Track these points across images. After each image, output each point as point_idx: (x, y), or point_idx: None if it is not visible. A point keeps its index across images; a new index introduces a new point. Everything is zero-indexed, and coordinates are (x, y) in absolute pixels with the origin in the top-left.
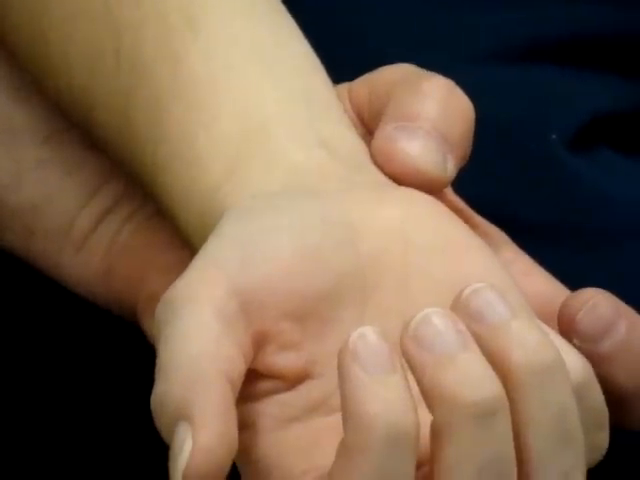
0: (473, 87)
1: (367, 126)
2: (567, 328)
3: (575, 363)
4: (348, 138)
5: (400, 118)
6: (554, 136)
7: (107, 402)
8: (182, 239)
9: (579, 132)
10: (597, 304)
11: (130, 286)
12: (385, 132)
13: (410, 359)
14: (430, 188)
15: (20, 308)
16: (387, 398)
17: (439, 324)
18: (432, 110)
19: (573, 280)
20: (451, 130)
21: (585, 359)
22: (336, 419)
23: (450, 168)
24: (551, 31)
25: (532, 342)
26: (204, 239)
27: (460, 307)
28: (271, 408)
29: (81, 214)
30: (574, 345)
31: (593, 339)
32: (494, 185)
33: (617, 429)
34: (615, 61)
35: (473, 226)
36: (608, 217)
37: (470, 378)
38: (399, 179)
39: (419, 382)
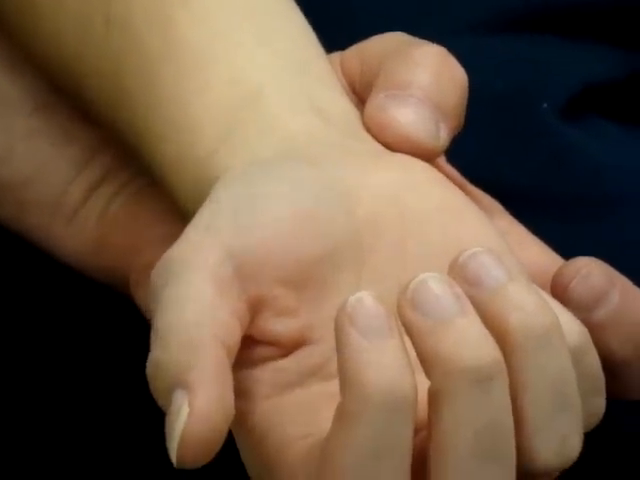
0: (464, 56)
1: (359, 95)
2: (560, 297)
3: (572, 327)
4: (342, 105)
5: (391, 87)
6: (545, 105)
7: (102, 379)
8: (176, 206)
9: (571, 101)
10: (590, 273)
11: (122, 258)
12: (376, 100)
13: (407, 324)
14: (423, 157)
15: (12, 283)
16: (385, 363)
17: (436, 288)
18: (424, 78)
19: (565, 249)
20: (444, 99)
21: (581, 324)
22: (333, 384)
23: (443, 137)
24: (541, 3)
25: (529, 305)
26: (198, 205)
27: (457, 271)
28: (267, 374)
29: (71, 186)
30: None
31: (586, 308)
32: (485, 154)
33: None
34: (607, 30)
35: (466, 194)
36: (600, 185)
37: (468, 342)
38: (391, 147)
39: (416, 347)
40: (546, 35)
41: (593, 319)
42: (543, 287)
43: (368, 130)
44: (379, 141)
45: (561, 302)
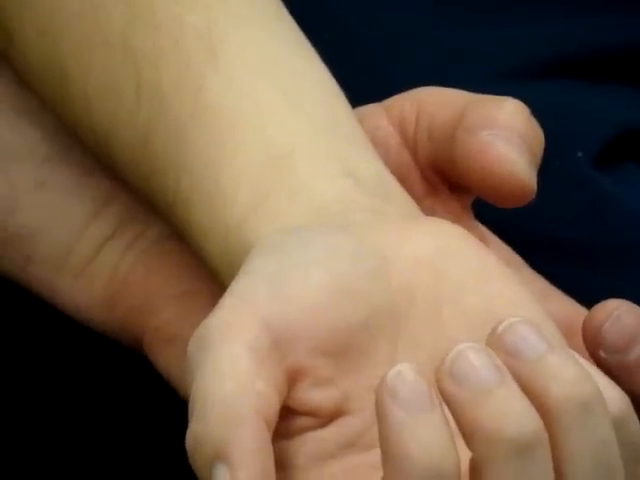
0: None
1: (412, 139)
2: (592, 340)
3: (612, 395)
4: (373, 165)
5: (491, 126)
6: (580, 154)
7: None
8: (204, 266)
9: (604, 148)
10: (622, 314)
11: (135, 317)
12: (480, 137)
13: (447, 396)
14: (521, 196)
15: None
16: (427, 438)
17: (474, 359)
18: (521, 125)
19: (600, 297)
20: (534, 147)
21: (623, 392)
22: (372, 455)
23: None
24: (572, 46)
25: (570, 376)
26: (229, 270)
27: (495, 342)
28: (306, 445)
29: (81, 239)
30: (600, 357)
31: (620, 350)
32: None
33: None
34: (637, 74)
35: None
36: (636, 234)
37: (508, 412)
38: (493, 181)
39: (456, 418)
40: (575, 81)
41: (627, 360)
42: (569, 339)
43: (465, 165)
44: (479, 175)
45: (593, 346)
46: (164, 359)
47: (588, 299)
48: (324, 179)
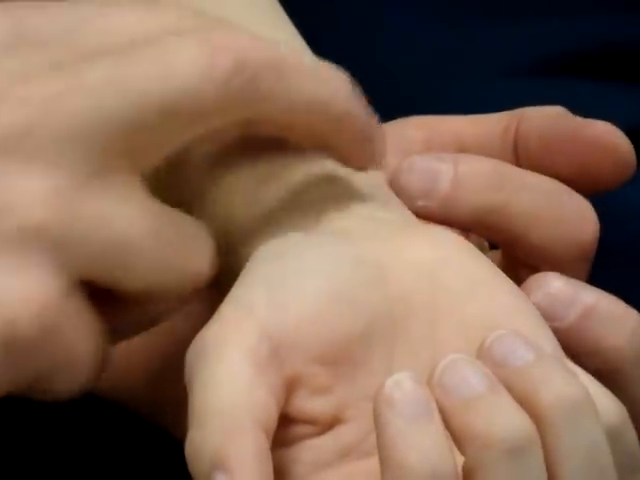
0: (498, 102)
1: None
2: None
3: (608, 405)
4: (371, 174)
5: None
6: None
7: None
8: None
9: None
10: (549, 282)
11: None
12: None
13: (438, 405)
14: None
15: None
16: (426, 446)
17: (463, 369)
18: None
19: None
20: None
21: (618, 401)
22: (368, 463)
23: None
24: (580, 44)
25: (558, 381)
26: (227, 275)
27: (484, 355)
28: (303, 453)
29: None
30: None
31: (554, 318)
32: None
33: None
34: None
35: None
36: None
37: (499, 416)
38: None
39: (448, 426)
40: (582, 79)
41: (563, 328)
42: None
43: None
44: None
45: None
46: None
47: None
48: None
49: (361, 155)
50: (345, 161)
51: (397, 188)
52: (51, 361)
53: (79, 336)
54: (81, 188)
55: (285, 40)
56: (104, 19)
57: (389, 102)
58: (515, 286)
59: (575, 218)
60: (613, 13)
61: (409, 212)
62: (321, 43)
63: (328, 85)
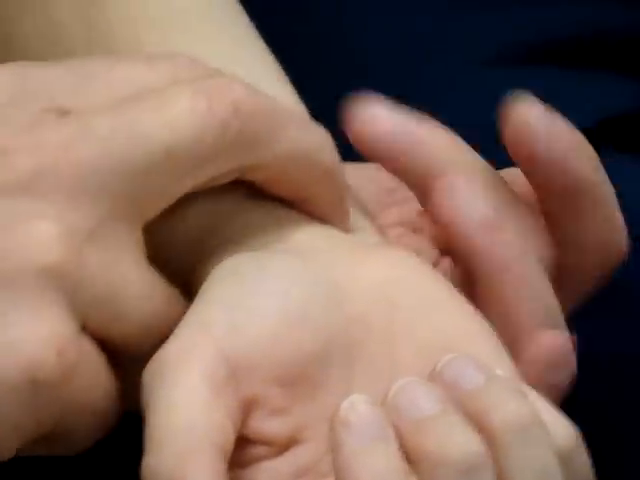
0: (473, 90)
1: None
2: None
3: (561, 429)
4: None
5: None
6: None
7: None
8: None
9: (585, 135)
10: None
11: None
12: None
13: (394, 427)
14: None
15: None
16: (379, 467)
17: (415, 391)
18: None
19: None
20: None
21: (571, 426)
22: None
23: None
24: (555, 32)
25: (508, 403)
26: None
27: (436, 378)
28: (261, 474)
29: None
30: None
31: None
32: None
33: None
34: (620, 62)
35: None
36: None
37: (451, 436)
38: None
39: (404, 448)
40: (557, 68)
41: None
42: None
43: None
44: None
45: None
46: None
47: None
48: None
49: (338, 209)
50: (324, 215)
51: (523, 126)
52: (71, 404)
53: (97, 377)
54: (91, 233)
55: (274, 80)
56: (107, 74)
57: (361, 87)
58: (472, 308)
59: (620, 229)
60: (593, 2)
61: (373, 231)
62: (296, 30)
63: (316, 137)
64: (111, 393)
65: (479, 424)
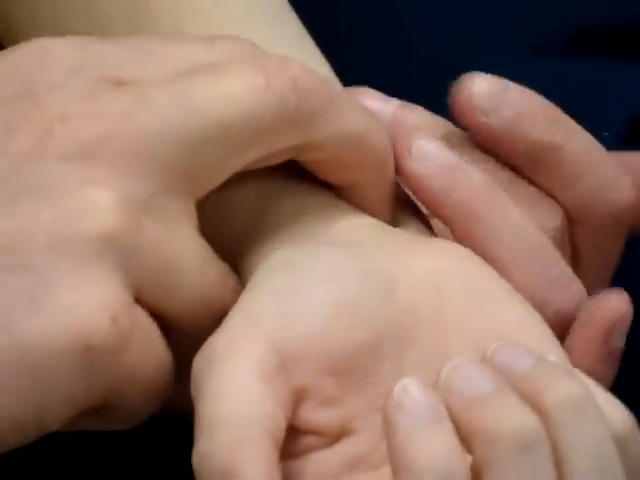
0: (518, 80)
1: None
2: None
3: (617, 413)
4: None
5: None
6: (606, 133)
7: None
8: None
9: (631, 127)
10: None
11: None
12: None
13: (447, 407)
14: None
15: None
16: (436, 448)
17: (469, 369)
18: None
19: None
20: None
21: (626, 410)
22: (377, 475)
23: None
24: (601, 21)
25: (561, 381)
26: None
27: (486, 363)
28: (312, 466)
29: None
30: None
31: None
32: None
33: None
34: None
35: None
36: None
37: (507, 413)
38: None
39: (457, 427)
40: (602, 58)
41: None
42: None
43: None
44: None
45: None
46: None
47: None
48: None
49: (386, 197)
50: (371, 204)
51: (466, 99)
52: (124, 375)
53: (151, 348)
54: (148, 203)
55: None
56: (165, 50)
57: (405, 82)
58: (522, 298)
59: (614, 179)
60: None
61: (421, 223)
62: (337, 26)
63: (370, 121)
64: (165, 366)
65: (532, 404)
